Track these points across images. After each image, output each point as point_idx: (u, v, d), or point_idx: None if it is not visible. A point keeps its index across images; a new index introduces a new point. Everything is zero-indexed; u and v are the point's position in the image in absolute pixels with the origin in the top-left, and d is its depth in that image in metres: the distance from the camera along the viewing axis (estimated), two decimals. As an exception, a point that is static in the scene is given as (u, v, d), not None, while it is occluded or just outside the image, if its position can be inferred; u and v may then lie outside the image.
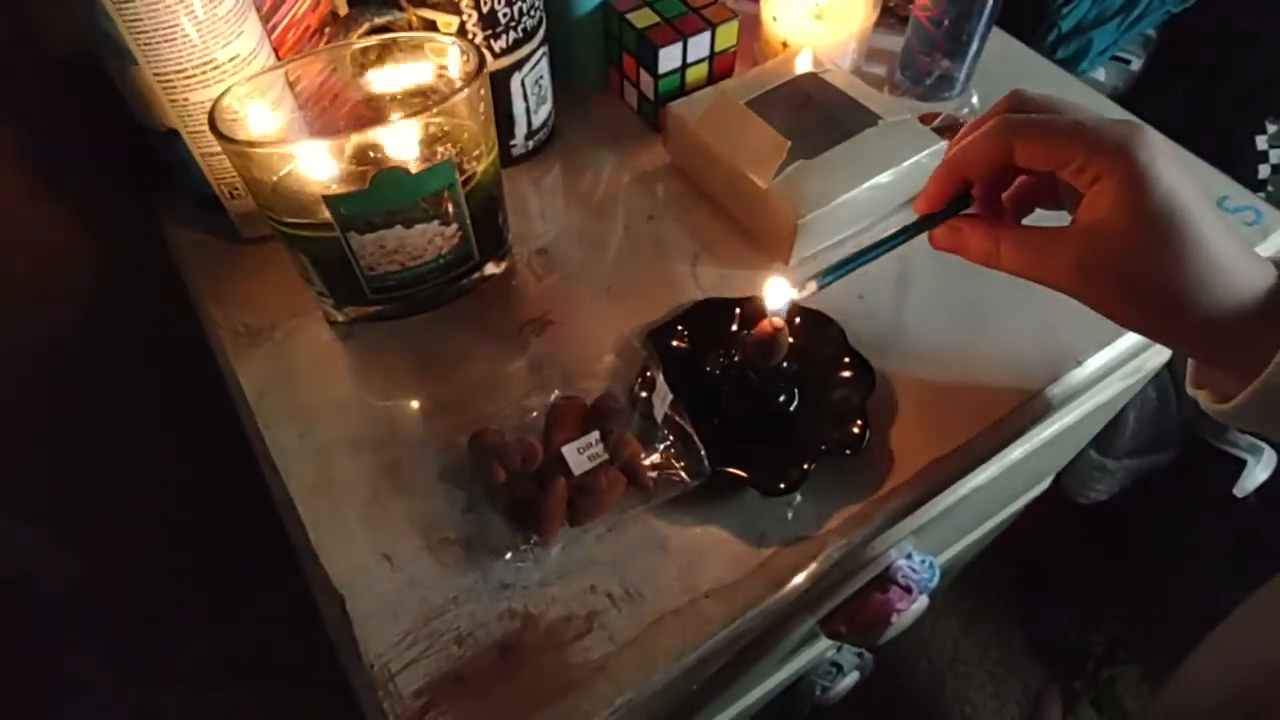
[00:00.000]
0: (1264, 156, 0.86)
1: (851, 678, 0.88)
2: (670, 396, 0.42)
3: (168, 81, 0.46)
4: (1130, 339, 0.53)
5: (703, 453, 0.42)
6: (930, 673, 1.14)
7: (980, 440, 0.49)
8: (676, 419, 0.43)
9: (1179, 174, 0.33)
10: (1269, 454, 0.87)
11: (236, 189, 0.53)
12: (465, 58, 0.44)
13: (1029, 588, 1.14)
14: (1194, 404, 0.90)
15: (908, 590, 0.61)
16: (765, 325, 0.40)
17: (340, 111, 0.50)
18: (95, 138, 0.57)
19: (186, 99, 0.47)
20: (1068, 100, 0.37)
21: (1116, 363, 0.53)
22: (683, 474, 0.43)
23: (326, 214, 0.44)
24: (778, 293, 0.39)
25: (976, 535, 0.89)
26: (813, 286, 0.39)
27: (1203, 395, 0.39)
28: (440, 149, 0.45)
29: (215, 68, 0.46)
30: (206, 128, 0.48)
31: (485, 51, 0.53)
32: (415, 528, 0.44)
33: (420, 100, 0.49)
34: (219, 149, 0.49)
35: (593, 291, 0.54)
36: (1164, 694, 0.90)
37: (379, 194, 0.43)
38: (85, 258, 0.63)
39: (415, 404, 0.50)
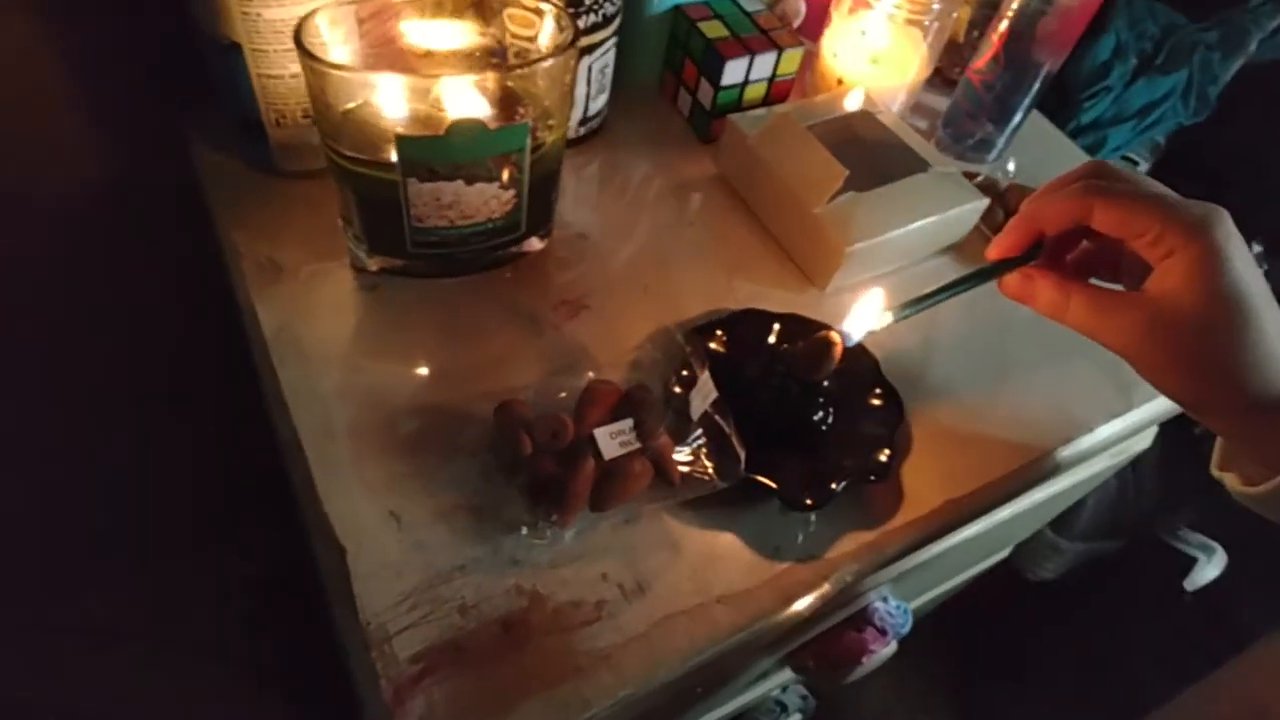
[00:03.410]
0: (1246, 273, 0.90)
1: (795, 719, 0.88)
2: (714, 395, 0.42)
3: (244, -9, 0.44)
4: (1136, 415, 0.54)
5: (741, 456, 0.41)
6: (856, 723, 1.14)
7: (991, 489, 0.49)
8: (716, 418, 0.43)
9: (1248, 261, 0.35)
10: (1220, 553, 0.91)
11: (284, 117, 0.51)
12: (562, 27, 0.44)
13: (964, 655, 1.15)
14: (1149, 498, 0.93)
15: (882, 633, 0.62)
16: (828, 336, 0.40)
17: (397, 59, 0.49)
18: (136, 38, 0.55)
19: (259, 13, 0.45)
20: (1149, 179, 0.39)
21: (1123, 435, 0.55)
22: (712, 474, 0.43)
23: (390, 154, 0.43)
24: (866, 313, 0.40)
25: (935, 593, 0.90)
26: (889, 318, 0.39)
27: (1229, 478, 0.40)
28: (519, 110, 0.45)
29: (295, -13, 0.45)
30: (270, 46, 0.47)
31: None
32: (427, 490, 0.43)
33: (485, 63, 0.48)
34: (277, 72, 0.48)
35: (629, 284, 0.54)
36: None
37: (452, 144, 0.42)
38: (103, 162, 0.60)
39: (437, 365, 0.48)
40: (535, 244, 0.53)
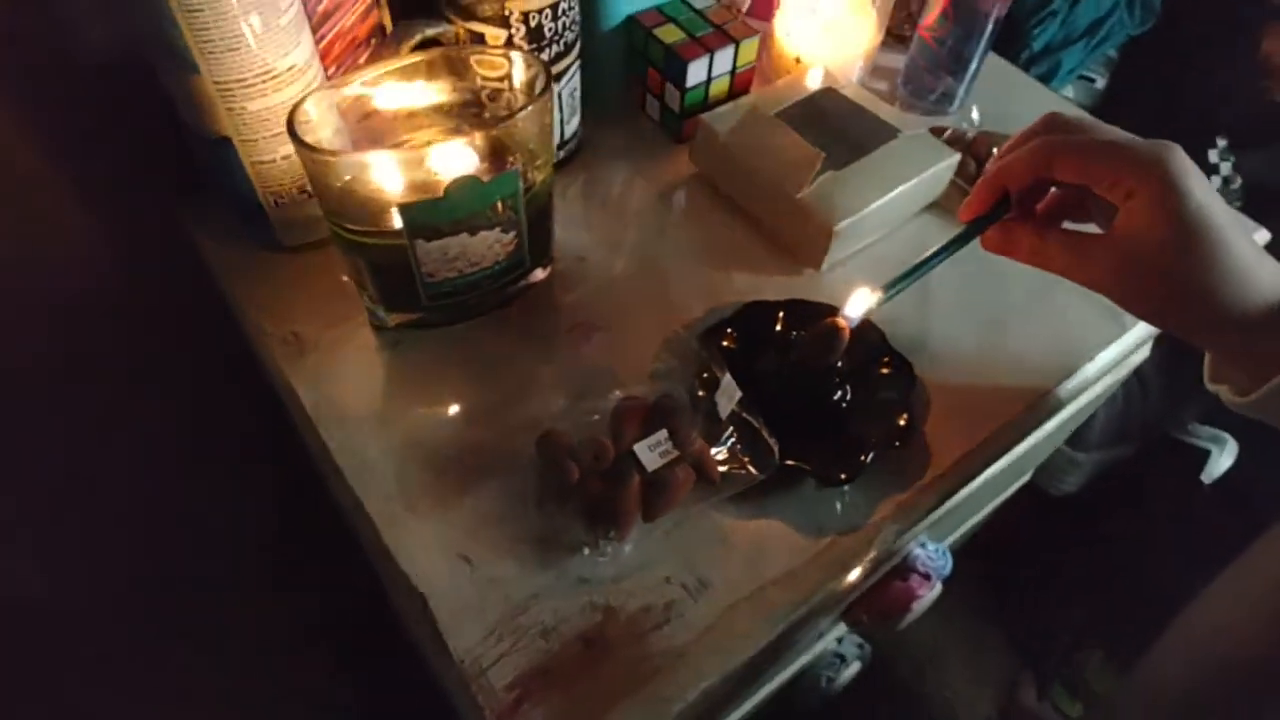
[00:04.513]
0: (1215, 169, 0.93)
1: (854, 668, 0.91)
2: (739, 395, 0.45)
3: (227, 90, 0.46)
4: (1130, 337, 0.57)
5: (775, 447, 0.44)
6: (913, 663, 1.18)
7: (1007, 431, 0.52)
8: (744, 415, 0.45)
9: (1206, 187, 0.37)
10: (1231, 443, 0.94)
11: (281, 197, 0.53)
12: (532, 69, 0.46)
13: (1001, 579, 1.19)
14: (1155, 400, 0.96)
15: (926, 578, 0.65)
16: (834, 321, 0.43)
17: (376, 122, 0.50)
18: (124, 143, 0.57)
19: (244, 107, 0.47)
20: (1099, 121, 0.41)
21: (1122, 356, 0.57)
22: (750, 468, 0.45)
23: (392, 221, 0.45)
24: (859, 302, 0.42)
25: (967, 527, 0.94)
26: (880, 299, 0.42)
27: (1222, 390, 0.43)
28: (509, 159, 0.47)
29: (274, 77, 0.47)
30: (259, 135, 0.49)
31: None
32: (488, 529, 0.45)
33: (463, 113, 0.50)
34: (269, 157, 0.50)
35: (633, 297, 0.56)
36: (1134, 677, 0.95)
37: (452, 202, 0.44)
38: (114, 261, 0.62)
39: (470, 407, 0.51)
40: (539, 275, 0.55)
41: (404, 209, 0.44)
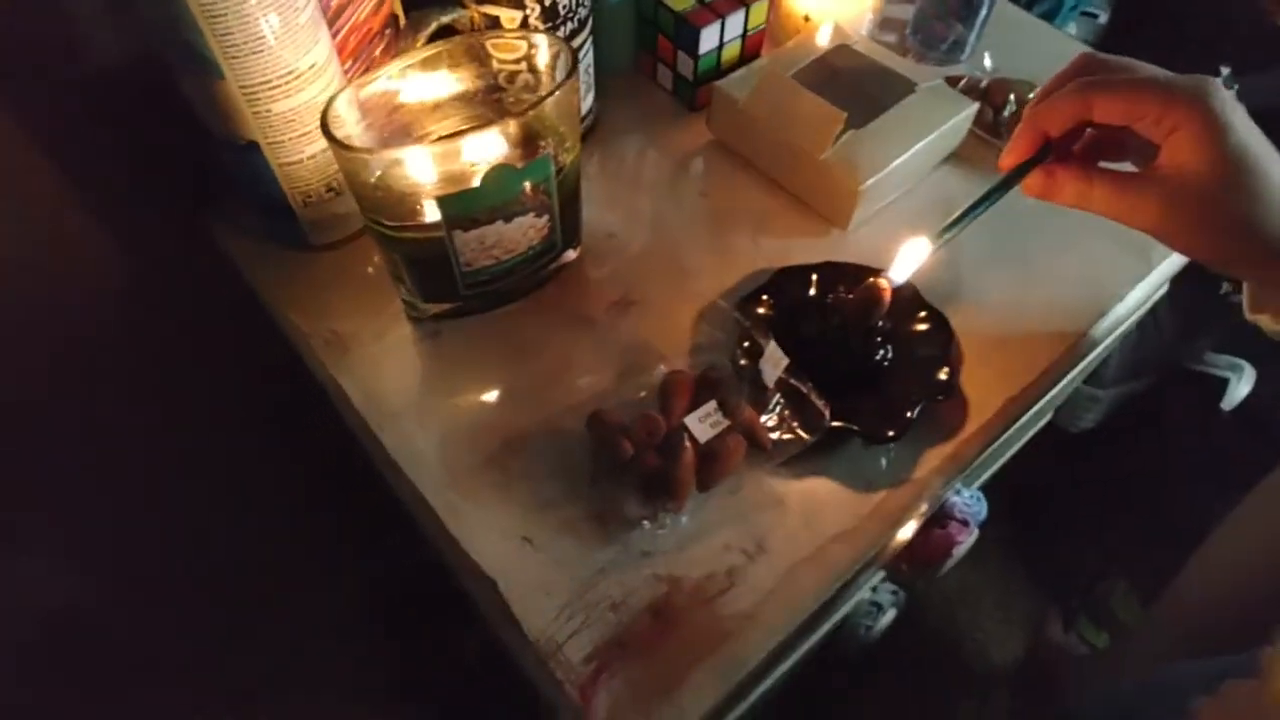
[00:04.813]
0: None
1: (890, 615, 0.94)
2: (785, 361, 0.45)
3: (252, 93, 0.46)
4: (1157, 273, 0.58)
5: (825, 410, 0.45)
6: (945, 607, 1.20)
7: (1045, 378, 0.53)
8: (791, 381, 0.46)
9: (1247, 121, 0.37)
10: (1249, 370, 0.95)
11: (309, 197, 0.53)
12: (555, 49, 0.46)
13: (1028, 519, 1.21)
14: (1170, 331, 0.96)
15: (964, 524, 0.66)
16: (876, 283, 0.43)
17: (403, 115, 0.50)
18: (140, 153, 0.57)
19: (270, 109, 0.47)
20: (1134, 60, 0.41)
21: (1148, 295, 0.58)
22: (799, 431, 0.46)
23: (428, 214, 0.45)
24: (908, 258, 0.42)
25: (994, 469, 0.95)
26: (930, 247, 0.42)
27: (1263, 319, 0.43)
28: (540, 143, 0.47)
29: (297, 76, 0.47)
30: (285, 136, 0.49)
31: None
32: (547, 510, 0.46)
33: (485, 100, 0.50)
34: (295, 158, 0.50)
35: (666, 269, 0.57)
36: (1158, 606, 0.98)
37: (488, 191, 0.44)
38: (135, 274, 0.62)
39: (516, 392, 0.51)
40: (570, 255, 0.55)
41: (442, 201, 0.44)
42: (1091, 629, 1.20)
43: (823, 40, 0.63)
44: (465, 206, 0.45)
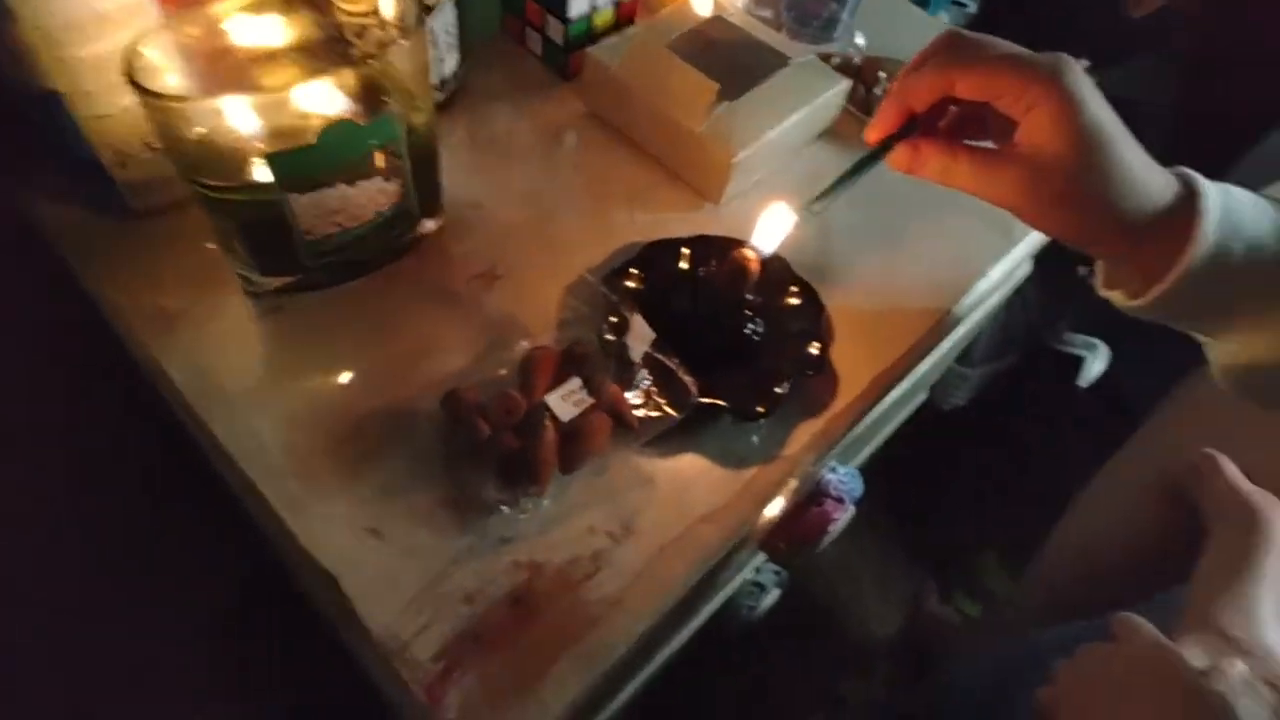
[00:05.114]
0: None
1: (773, 595, 0.94)
2: (652, 335, 0.43)
3: (51, 36, 0.40)
4: (1019, 250, 0.59)
5: (692, 386, 0.43)
6: (827, 585, 1.23)
7: (912, 352, 0.53)
8: (657, 356, 0.44)
9: (1100, 100, 0.38)
10: (1103, 349, 1.01)
11: (126, 155, 0.47)
12: (401, 2, 0.42)
13: (902, 495, 1.25)
14: (1034, 312, 1.01)
15: (840, 501, 0.66)
16: (743, 254, 0.42)
17: (231, 65, 0.46)
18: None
19: (73, 55, 0.41)
20: (997, 38, 0.41)
21: (1012, 269, 0.59)
22: (667, 409, 0.44)
23: (258, 175, 0.41)
24: (773, 229, 0.41)
25: (872, 447, 0.97)
26: (795, 219, 0.41)
27: (1115, 295, 0.44)
28: (384, 99, 0.43)
29: (104, 18, 0.41)
30: (93, 85, 0.43)
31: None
32: (396, 498, 0.43)
33: (328, 53, 0.46)
34: (106, 111, 0.45)
35: (533, 243, 0.54)
36: (1026, 578, 1.03)
37: (326, 150, 0.40)
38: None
39: (367, 372, 0.48)
40: (430, 225, 0.52)
41: (272, 159, 0.40)
42: (966, 600, 1.26)
43: (700, 10, 0.61)
44: (301, 166, 0.41)
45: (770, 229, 0.42)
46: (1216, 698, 0.44)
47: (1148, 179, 0.38)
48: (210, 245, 0.50)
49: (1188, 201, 0.38)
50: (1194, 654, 0.57)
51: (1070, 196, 0.38)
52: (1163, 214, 0.39)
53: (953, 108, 0.44)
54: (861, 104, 0.63)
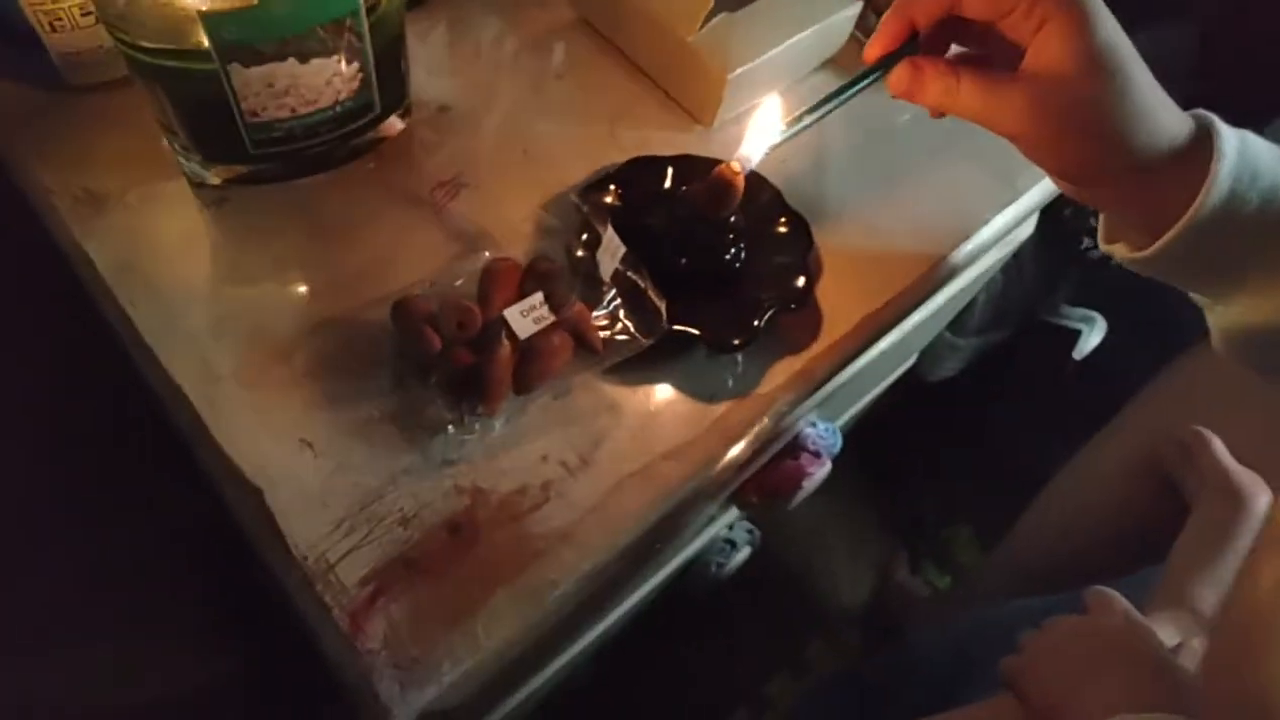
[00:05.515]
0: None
1: (744, 553, 0.92)
2: (623, 250, 0.40)
3: None
4: (1024, 201, 0.56)
5: (662, 308, 0.40)
6: (799, 549, 1.21)
7: (903, 297, 0.50)
8: (628, 275, 0.40)
9: (1115, 24, 0.34)
10: (1100, 322, 0.98)
11: (58, 19, 0.43)
12: None
13: (884, 462, 1.23)
14: (1030, 284, 0.97)
15: (817, 455, 0.63)
16: (728, 169, 0.38)
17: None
18: None
19: (-13, -115, 0.37)
20: None
21: (1013, 223, 0.56)
22: (634, 333, 0.41)
23: (200, 38, 0.37)
24: (762, 131, 0.37)
25: (855, 410, 0.94)
26: (783, 132, 0.37)
27: (1118, 248, 0.41)
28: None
29: None
30: (15, -71, 0.39)
31: None
32: (336, 410, 0.39)
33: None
34: (33, -39, 0.40)
35: (507, 152, 0.50)
36: (999, 551, 1.01)
37: (272, 14, 0.36)
38: None
39: (316, 277, 0.44)
40: (396, 125, 0.48)
41: (209, 20, 0.35)
42: (935, 572, 1.25)
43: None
44: (242, 31, 0.36)
45: (759, 136, 0.38)
46: (1185, 675, 0.42)
47: (1161, 113, 0.35)
48: (150, 122, 0.46)
49: (1203, 142, 0.35)
50: (1166, 631, 0.55)
51: (1078, 124, 0.35)
52: (1176, 153, 0.35)
53: (955, 47, 0.41)
54: (870, 32, 0.59)
